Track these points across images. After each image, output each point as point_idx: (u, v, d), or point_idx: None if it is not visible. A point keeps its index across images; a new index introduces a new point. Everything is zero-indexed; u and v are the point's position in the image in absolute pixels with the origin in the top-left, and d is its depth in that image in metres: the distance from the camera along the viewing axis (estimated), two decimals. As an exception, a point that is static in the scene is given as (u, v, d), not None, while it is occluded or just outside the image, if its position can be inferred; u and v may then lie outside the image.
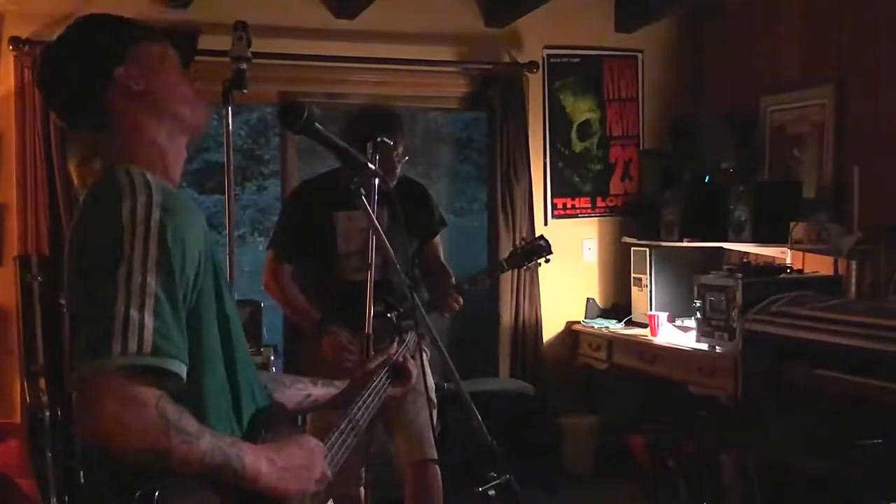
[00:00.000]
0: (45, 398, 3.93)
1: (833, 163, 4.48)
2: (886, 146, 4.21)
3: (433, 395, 3.45)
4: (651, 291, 4.96)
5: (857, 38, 4.39)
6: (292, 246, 3.50)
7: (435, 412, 3.37)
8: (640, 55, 5.46)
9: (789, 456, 3.54)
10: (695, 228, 4.79)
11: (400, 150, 3.38)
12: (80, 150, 1.59)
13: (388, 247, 2.17)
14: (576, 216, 5.38)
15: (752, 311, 3.95)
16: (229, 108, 2.81)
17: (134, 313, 1.39)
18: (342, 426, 1.86)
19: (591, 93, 5.38)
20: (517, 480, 2.17)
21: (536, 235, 3.94)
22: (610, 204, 5.44)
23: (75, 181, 1.61)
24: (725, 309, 4.14)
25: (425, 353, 3.43)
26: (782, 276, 4.26)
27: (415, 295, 2.22)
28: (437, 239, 3.66)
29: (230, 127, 2.83)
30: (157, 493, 1.36)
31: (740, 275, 4.15)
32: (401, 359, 2.17)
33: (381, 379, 2.09)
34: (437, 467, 3.34)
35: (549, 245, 3.75)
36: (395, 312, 2.43)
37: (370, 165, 2.11)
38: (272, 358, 4.45)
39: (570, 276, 5.26)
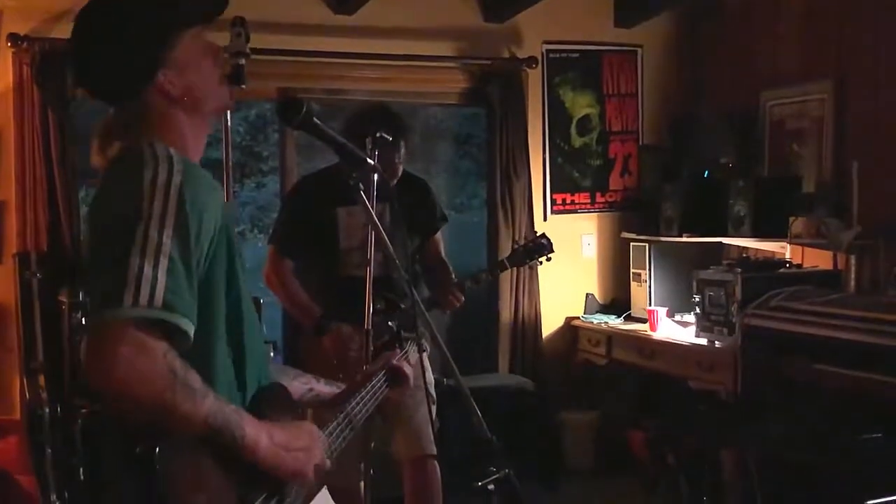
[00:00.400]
0: (44, 395, 3.93)
1: (833, 157, 4.48)
2: (886, 141, 4.21)
3: (433, 391, 3.45)
4: (650, 287, 4.96)
5: (857, 32, 4.38)
6: (293, 241, 3.51)
7: (434, 408, 3.37)
8: (639, 50, 5.45)
9: (789, 450, 3.54)
10: (694, 223, 4.79)
11: (402, 152, 3.37)
12: (103, 127, 1.58)
13: (387, 243, 2.17)
14: (575, 212, 5.37)
15: (751, 306, 3.95)
16: (228, 105, 2.81)
17: (148, 269, 1.41)
18: (339, 419, 1.88)
19: (591, 88, 5.37)
20: (517, 476, 2.17)
21: (538, 233, 3.94)
22: (609, 199, 5.44)
23: (95, 156, 1.60)
24: (725, 304, 4.14)
25: (425, 349, 3.44)
26: (782, 270, 4.26)
27: (414, 291, 2.22)
28: (438, 235, 3.66)
29: (229, 123, 2.83)
30: (157, 450, 1.38)
31: (740, 270, 4.15)
32: (400, 363, 2.20)
33: (379, 380, 2.11)
34: (436, 463, 3.35)
35: (550, 243, 3.76)
36: (396, 322, 2.43)
37: (369, 160, 2.11)
38: (271, 354, 4.44)
39: (569, 271, 5.26)
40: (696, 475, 4.31)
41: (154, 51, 1.61)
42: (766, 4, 4.95)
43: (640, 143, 5.48)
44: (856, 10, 4.39)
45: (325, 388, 2.05)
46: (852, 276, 4.11)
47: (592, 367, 5.18)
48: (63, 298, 4.03)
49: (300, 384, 1.99)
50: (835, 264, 4.27)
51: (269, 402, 1.65)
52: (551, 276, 5.14)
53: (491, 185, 5.21)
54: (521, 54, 5.15)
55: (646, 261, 4.98)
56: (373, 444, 2.88)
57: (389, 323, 2.46)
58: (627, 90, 5.45)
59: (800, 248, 4.43)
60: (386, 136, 3.05)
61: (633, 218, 5.37)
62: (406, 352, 2.30)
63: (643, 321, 4.89)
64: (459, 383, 2.20)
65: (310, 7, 4.81)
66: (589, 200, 5.40)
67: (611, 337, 5.02)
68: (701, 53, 5.44)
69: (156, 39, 1.61)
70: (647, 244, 5.01)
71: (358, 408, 1.97)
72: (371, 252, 2.75)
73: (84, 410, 3.84)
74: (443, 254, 3.67)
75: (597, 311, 5.31)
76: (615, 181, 5.45)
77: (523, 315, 5.11)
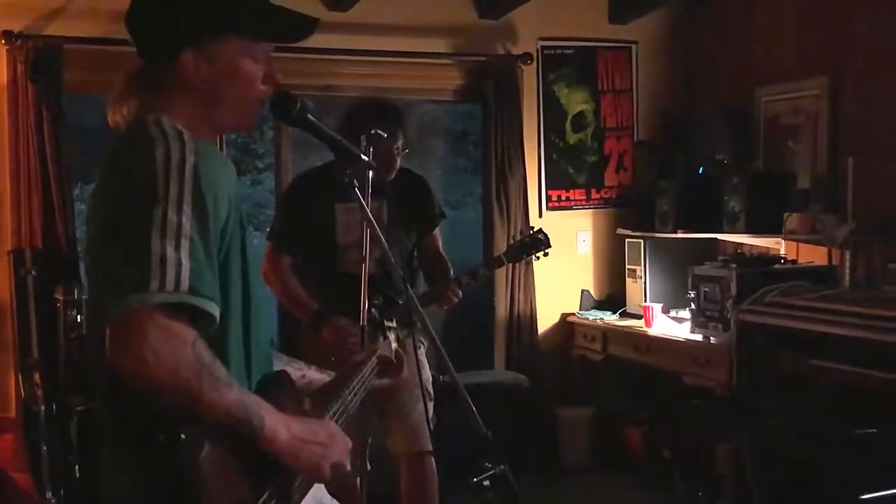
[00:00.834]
0: (39, 392, 3.93)
1: (827, 153, 4.48)
2: (881, 136, 4.21)
3: (430, 388, 3.45)
4: (645, 283, 4.97)
5: (851, 28, 4.39)
6: (290, 238, 3.50)
7: (431, 405, 3.37)
8: (634, 47, 5.45)
9: (784, 446, 3.55)
10: (689, 220, 4.80)
11: (399, 143, 3.37)
12: (125, 77, 1.56)
13: (382, 239, 2.17)
14: (570, 208, 5.37)
15: (746, 302, 3.95)
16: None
17: (171, 253, 1.39)
18: (335, 408, 1.87)
19: (586, 84, 5.37)
20: (512, 472, 2.18)
21: (535, 229, 3.93)
22: (604, 196, 5.44)
23: (111, 114, 1.58)
24: (720, 300, 4.15)
25: (422, 345, 3.44)
26: (776, 266, 4.27)
27: (409, 287, 2.22)
28: (437, 231, 3.66)
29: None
30: (181, 437, 1.38)
31: (734, 265, 4.16)
32: (386, 353, 2.20)
33: (368, 369, 2.11)
34: (432, 459, 3.35)
35: (547, 239, 3.75)
36: (376, 310, 2.43)
37: (363, 157, 2.11)
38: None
39: (564, 267, 5.26)
40: (691, 470, 4.33)
41: (201, 28, 1.58)
42: (761, 0, 4.95)
43: (635, 139, 5.48)
44: (850, 6, 4.39)
45: (316, 374, 2.05)
46: (847, 271, 4.11)
47: (588, 363, 5.19)
48: (58, 296, 4.03)
49: (293, 370, 1.99)
50: (829, 260, 4.28)
51: (274, 391, 1.65)
52: (547, 273, 5.14)
53: (486, 182, 5.21)
54: (516, 50, 5.15)
55: (641, 257, 4.99)
56: (370, 440, 2.88)
57: (371, 310, 2.46)
58: (622, 86, 5.45)
59: (794, 243, 4.44)
60: (381, 132, 3.04)
61: (628, 214, 5.38)
62: (388, 341, 2.29)
63: (638, 317, 4.89)
64: (455, 380, 2.20)
65: (304, 3, 4.72)
66: (584, 197, 5.40)
67: (606, 333, 5.03)
68: (696, 50, 5.44)
69: (207, 23, 1.59)
70: (642, 240, 5.02)
71: (350, 396, 1.97)
72: (366, 249, 2.75)
73: (80, 408, 3.84)
74: (441, 250, 3.67)
75: (592, 308, 5.31)
76: (610, 177, 5.45)
77: (519, 311, 5.11)
